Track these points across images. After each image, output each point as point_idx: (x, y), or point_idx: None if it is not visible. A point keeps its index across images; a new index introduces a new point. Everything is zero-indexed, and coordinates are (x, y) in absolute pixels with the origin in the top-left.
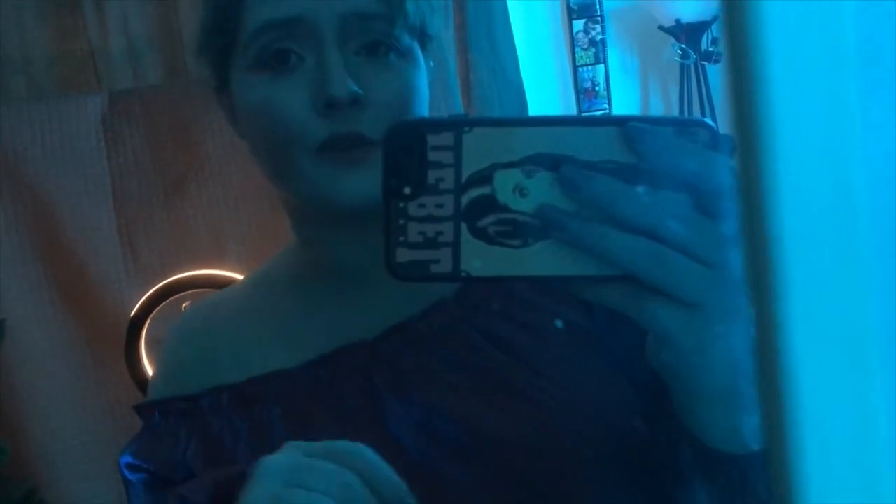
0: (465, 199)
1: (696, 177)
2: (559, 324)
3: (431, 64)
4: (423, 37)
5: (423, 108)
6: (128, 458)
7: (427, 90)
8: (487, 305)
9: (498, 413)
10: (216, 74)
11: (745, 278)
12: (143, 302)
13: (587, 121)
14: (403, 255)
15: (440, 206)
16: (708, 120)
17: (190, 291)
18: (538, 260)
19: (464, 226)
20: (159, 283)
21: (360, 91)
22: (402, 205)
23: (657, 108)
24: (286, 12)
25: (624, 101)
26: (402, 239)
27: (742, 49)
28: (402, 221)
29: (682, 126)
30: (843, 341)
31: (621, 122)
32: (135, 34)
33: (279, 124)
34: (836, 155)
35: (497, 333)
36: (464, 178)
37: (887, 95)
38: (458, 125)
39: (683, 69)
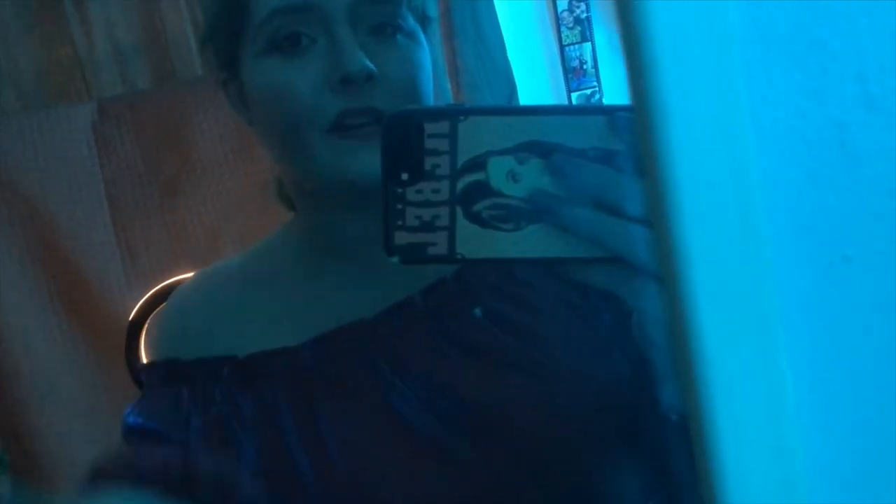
0: (460, 185)
1: None
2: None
3: (432, 45)
4: (424, 19)
5: (429, 85)
6: (132, 418)
7: (430, 69)
8: (486, 284)
9: (496, 386)
10: (223, 64)
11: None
12: (141, 305)
13: (577, 110)
14: (401, 238)
15: (436, 191)
16: None
17: None
18: (530, 243)
19: (459, 210)
20: (158, 285)
21: (374, 68)
22: (400, 190)
23: None
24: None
25: (613, 78)
26: (399, 223)
27: (632, 39)
28: (399, 206)
29: None
30: (748, 318)
31: (610, 111)
32: (120, 40)
33: (292, 104)
34: (729, 135)
35: (495, 310)
36: (459, 164)
37: (775, 72)
38: (454, 114)
39: None
